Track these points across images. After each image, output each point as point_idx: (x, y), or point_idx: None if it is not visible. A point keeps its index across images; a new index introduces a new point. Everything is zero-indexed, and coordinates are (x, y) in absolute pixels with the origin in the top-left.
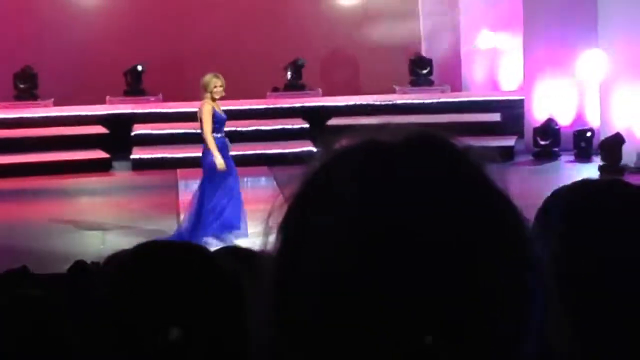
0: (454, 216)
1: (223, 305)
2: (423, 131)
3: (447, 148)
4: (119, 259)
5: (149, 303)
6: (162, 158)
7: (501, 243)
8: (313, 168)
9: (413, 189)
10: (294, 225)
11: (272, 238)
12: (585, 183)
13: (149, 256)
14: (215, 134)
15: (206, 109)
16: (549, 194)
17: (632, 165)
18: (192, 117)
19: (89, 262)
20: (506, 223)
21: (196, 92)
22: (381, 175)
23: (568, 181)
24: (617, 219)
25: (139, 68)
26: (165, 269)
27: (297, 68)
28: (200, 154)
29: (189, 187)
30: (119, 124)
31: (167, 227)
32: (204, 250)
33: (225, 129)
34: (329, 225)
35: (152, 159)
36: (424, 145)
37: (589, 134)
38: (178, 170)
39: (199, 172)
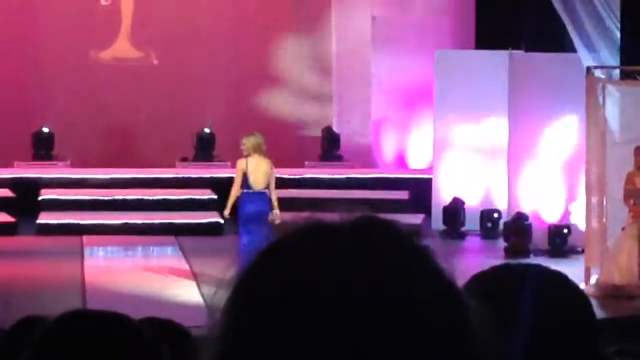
0: (400, 300)
1: None
2: (369, 215)
3: (393, 232)
4: (39, 327)
5: None
6: (69, 224)
7: (448, 327)
8: (259, 249)
9: (358, 274)
10: (236, 308)
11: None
12: (503, 267)
13: (72, 326)
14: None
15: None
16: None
17: (538, 248)
18: (99, 183)
19: None
20: (453, 308)
21: (104, 159)
22: (326, 259)
23: (474, 261)
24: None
25: (46, 132)
26: (89, 339)
27: (204, 138)
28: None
29: (94, 254)
30: (26, 188)
31: (70, 291)
32: (129, 321)
33: (131, 197)
34: (272, 310)
35: (58, 224)
36: (370, 228)
37: (495, 214)
38: (84, 237)
39: (105, 238)
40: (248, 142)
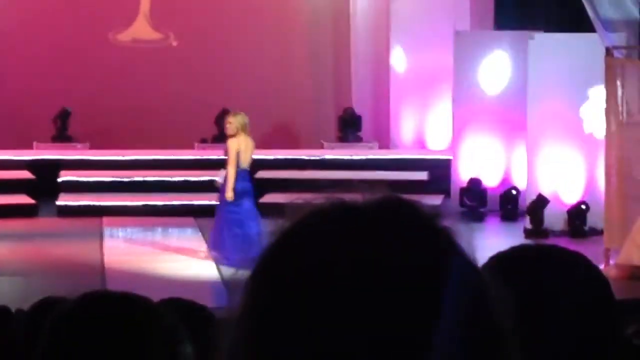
0: (422, 281)
1: (160, 359)
2: (391, 195)
3: (414, 213)
4: (59, 307)
5: (89, 353)
6: (88, 205)
7: (470, 310)
8: (281, 229)
9: (381, 255)
10: (258, 287)
11: (237, 296)
12: (523, 249)
13: (91, 307)
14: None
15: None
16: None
17: (558, 229)
18: (119, 165)
19: (12, 308)
20: (474, 288)
21: (123, 140)
22: (349, 239)
23: (493, 242)
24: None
25: (66, 115)
26: (108, 320)
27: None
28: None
29: (114, 235)
30: (46, 170)
31: (90, 273)
32: (147, 302)
33: (150, 178)
34: (293, 290)
35: (78, 206)
36: (391, 209)
37: (514, 192)
38: (104, 218)
39: (124, 220)
40: (236, 121)
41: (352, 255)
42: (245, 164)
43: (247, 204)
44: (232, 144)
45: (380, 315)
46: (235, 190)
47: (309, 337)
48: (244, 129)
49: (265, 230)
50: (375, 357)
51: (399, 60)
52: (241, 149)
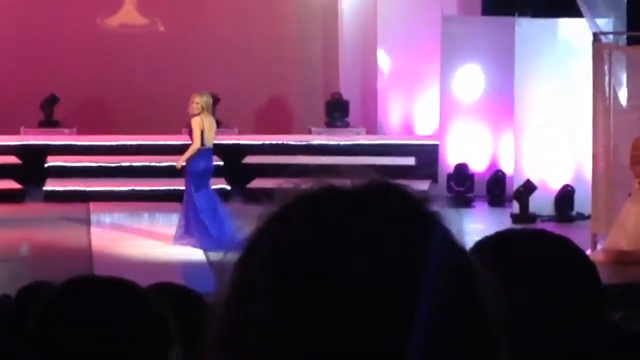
0: (408, 266)
1: (148, 344)
2: (379, 179)
3: (403, 197)
4: (47, 291)
5: (77, 338)
6: (75, 190)
7: (456, 294)
8: (270, 212)
9: (369, 239)
10: (246, 271)
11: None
12: (509, 233)
13: (79, 291)
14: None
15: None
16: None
17: (545, 214)
18: (106, 150)
19: None
20: (462, 273)
21: (110, 126)
22: (338, 223)
23: (481, 227)
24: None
25: (53, 100)
26: (95, 304)
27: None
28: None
29: (101, 220)
30: (33, 155)
31: (77, 258)
32: (134, 287)
33: (140, 164)
34: (281, 274)
35: (65, 191)
36: (380, 193)
37: (502, 181)
38: (91, 203)
39: (111, 205)
40: (201, 100)
41: (341, 238)
42: (209, 142)
43: (207, 184)
44: (196, 122)
45: (367, 297)
46: (199, 169)
47: (296, 319)
48: (207, 108)
49: (254, 214)
50: (359, 336)
51: (386, 45)
52: (205, 127)
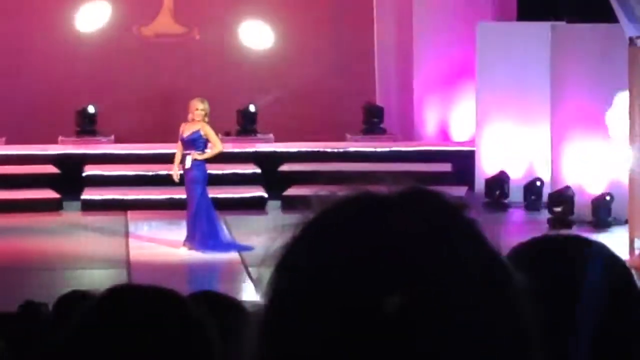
0: (447, 272)
1: (189, 352)
2: (417, 186)
3: (440, 204)
4: (86, 302)
5: (117, 348)
6: (113, 199)
7: (492, 301)
8: (307, 219)
9: (406, 244)
10: (284, 280)
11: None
12: (545, 239)
13: (119, 301)
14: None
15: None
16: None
17: (582, 219)
18: (144, 159)
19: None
20: (497, 280)
21: (148, 134)
22: (375, 230)
23: (517, 233)
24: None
25: (91, 109)
26: (135, 314)
27: (249, 113)
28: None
29: (138, 229)
30: (71, 164)
31: (115, 267)
32: (174, 296)
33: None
34: (320, 282)
35: (102, 200)
36: (418, 200)
37: (538, 183)
38: (128, 212)
39: (149, 214)
40: (206, 107)
41: (380, 246)
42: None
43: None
44: (208, 127)
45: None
46: (205, 174)
47: (335, 327)
48: (207, 115)
49: (290, 221)
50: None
51: (422, 50)
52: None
